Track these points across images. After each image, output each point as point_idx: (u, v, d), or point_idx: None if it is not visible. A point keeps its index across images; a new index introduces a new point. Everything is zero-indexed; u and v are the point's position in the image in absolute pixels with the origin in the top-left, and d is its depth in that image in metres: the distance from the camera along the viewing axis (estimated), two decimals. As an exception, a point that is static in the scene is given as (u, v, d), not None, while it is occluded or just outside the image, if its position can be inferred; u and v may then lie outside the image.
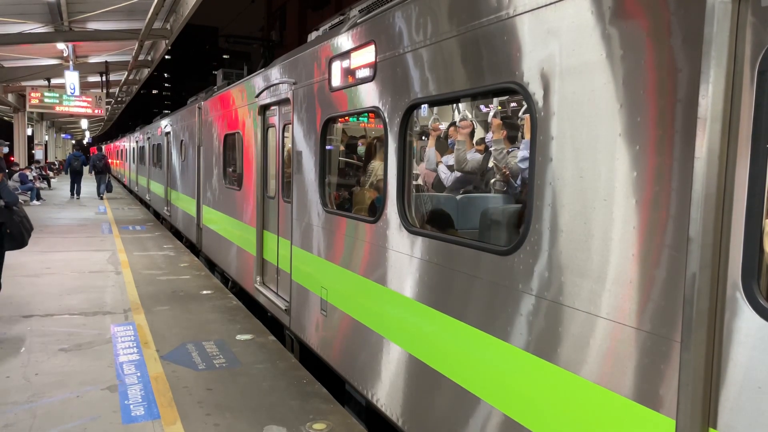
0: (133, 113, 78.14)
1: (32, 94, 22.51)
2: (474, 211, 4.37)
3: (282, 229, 6.68)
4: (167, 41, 17.09)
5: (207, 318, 7.37)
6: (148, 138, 20.72)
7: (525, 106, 4.37)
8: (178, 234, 14.56)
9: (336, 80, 4.96)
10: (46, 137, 38.83)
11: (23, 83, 24.04)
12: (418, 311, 3.79)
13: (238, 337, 6.62)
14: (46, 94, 22.64)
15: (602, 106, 2.44)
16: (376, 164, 5.28)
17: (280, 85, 6.52)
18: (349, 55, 4.70)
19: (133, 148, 26.72)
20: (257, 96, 7.41)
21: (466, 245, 3.36)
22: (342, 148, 6.20)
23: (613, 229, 2.40)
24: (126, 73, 23.03)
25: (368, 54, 4.40)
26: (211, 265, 10.69)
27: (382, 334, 4.25)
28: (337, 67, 4.95)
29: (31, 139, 33.60)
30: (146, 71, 24.55)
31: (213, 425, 4.50)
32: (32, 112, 26.92)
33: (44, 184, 28.04)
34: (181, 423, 4.50)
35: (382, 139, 4.30)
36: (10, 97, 26.05)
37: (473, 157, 4.94)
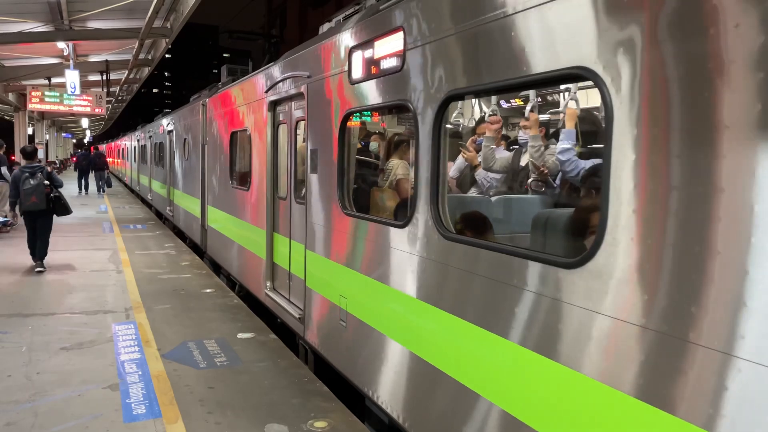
0: (133, 112, 78.16)
1: (33, 94, 22.49)
2: (514, 215, 4.00)
3: (294, 231, 6.29)
4: (167, 40, 17.06)
5: (208, 316, 7.38)
6: (150, 136, 20.52)
7: (565, 99, 4.08)
8: (180, 234, 14.40)
9: (357, 72, 4.60)
10: (47, 136, 38.81)
11: (24, 82, 24.03)
12: (462, 330, 3.35)
13: (239, 335, 6.62)
14: (46, 93, 22.62)
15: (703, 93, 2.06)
16: (395, 162, 4.99)
17: (293, 79, 6.16)
18: (373, 44, 4.33)
19: (135, 147, 26.66)
20: (267, 91, 7.05)
21: (519, 255, 2.94)
22: (363, 145, 5.75)
23: (723, 241, 2.00)
24: (126, 71, 23.01)
25: (395, 42, 4.03)
26: (216, 267, 10.41)
27: (417, 353, 3.82)
28: (358, 57, 4.57)
29: (32, 138, 33.58)
30: (147, 70, 24.51)
31: (214, 423, 4.51)
32: (33, 112, 26.91)
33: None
34: (182, 421, 4.51)
35: (411, 135, 4.01)
36: (11, 97, 26.04)
37: (502, 155, 4.58)
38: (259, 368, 5.66)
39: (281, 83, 6.56)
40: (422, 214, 3.74)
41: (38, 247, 9.76)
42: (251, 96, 7.92)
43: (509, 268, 2.98)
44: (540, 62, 2.80)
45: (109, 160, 46.87)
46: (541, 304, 2.78)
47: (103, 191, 26.91)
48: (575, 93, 3.86)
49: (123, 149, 34.72)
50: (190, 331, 6.76)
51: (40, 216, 9.58)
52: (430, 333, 3.67)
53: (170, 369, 5.56)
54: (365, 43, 4.47)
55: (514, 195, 4.48)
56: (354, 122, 5.19)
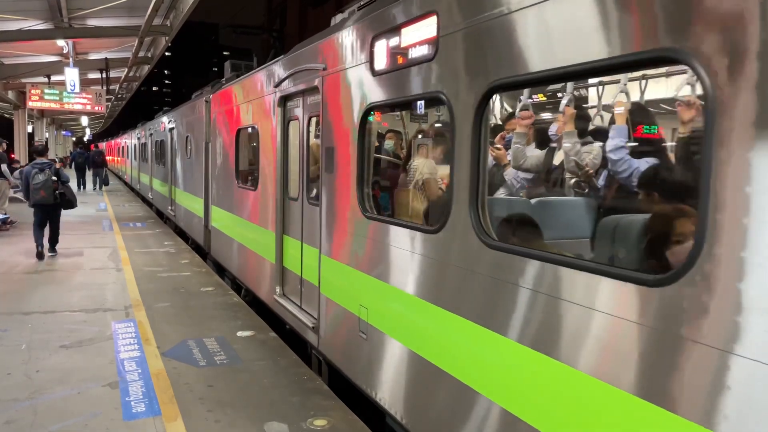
0: (133, 110, 78.16)
1: (32, 91, 22.47)
2: (562, 220, 3.59)
3: (307, 235, 5.92)
4: (167, 38, 17.05)
5: (208, 315, 7.37)
6: (151, 134, 20.30)
7: (598, 92, 3.64)
8: (182, 233, 14.18)
9: (380, 62, 4.23)
10: (47, 134, 38.78)
11: (23, 80, 24.01)
12: (516, 354, 2.92)
13: (239, 333, 6.62)
14: (46, 91, 22.60)
15: None
16: (419, 162, 4.54)
17: (306, 72, 5.73)
18: (399, 31, 3.96)
19: (135, 145, 26.56)
20: (277, 86, 6.62)
21: (588, 270, 2.52)
22: (386, 142, 5.23)
23: None
24: (126, 69, 23.00)
25: (427, 28, 3.66)
26: (220, 269, 10.06)
27: (456, 376, 3.41)
28: (382, 47, 4.20)
29: (31, 136, 33.58)
30: (146, 68, 24.51)
31: (214, 422, 4.50)
32: (32, 110, 26.91)
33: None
34: (182, 419, 4.51)
35: (442, 130, 3.71)
36: (11, 95, 26.02)
37: (533, 152, 4.21)
38: (259, 367, 5.65)
39: (292, 77, 6.16)
40: (459, 218, 3.35)
41: (50, 236, 10.81)
42: (259, 91, 7.54)
43: (573, 284, 2.58)
44: (619, 44, 2.39)
45: (108, 158, 47.03)
46: (618, 328, 2.35)
47: (101, 188, 27.62)
48: (626, 84, 3.44)
49: (123, 147, 34.56)
50: (189, 329, 6.75)
51: (49, 209, 10.49)
52: (474, 354, 3.24)
53: (170, 367, 5.55)
54: (391, 31, 4.09)
55: (558, 197, 3.98)
56: (376, 117, 4.79)
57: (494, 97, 3.25)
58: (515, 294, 2.93)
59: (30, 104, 23.14)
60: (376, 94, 4.37)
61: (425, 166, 4.50)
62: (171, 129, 15.42)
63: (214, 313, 7.47)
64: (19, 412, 4.54)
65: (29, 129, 32.35)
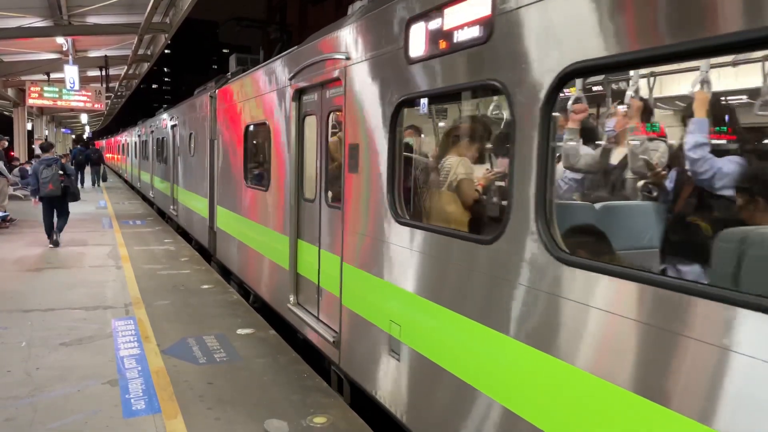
0: (133, 108, 78.12)
1: (32, 89, 22.45)
2: (642, 229, 3.03)
3: (326, 240, 5.47)
4: (167, 35, 17.03)
5: (208, 312, 7.37)
6: (152, 131, 19.97)
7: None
8: (185, 234, 13.80)
9: (418, 48, 3.76)
10: (47, 132, 38.75)
11: (23, 78, 23.99)
12: (624, 402, 2.34)
13: (239, 331, 6.62)
14: (45, 88, 22.58)
15: None
16: (453, 160, 4.05)
17: (326, 62, 5.27)
18: (442, 12, 3.50)
19: (135, 143, 26.43)
20: (291, 78, 6.15)
21: (722, 299, 1.99)
22: (424, 139, 4.66)
23: None
24: (126, 67, 22.97)
25: (479, 6, 3.19)
26: (225, 272, 9.66)
27: (533, 422, 2.83)
28: (419, 30, 3.74)
29: (31, 133, 33.57)
30: (146, 65, 24.48)
31: (214, 419, 4.51)
32: (32, 107, 26.90)
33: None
34: (181, 417, 4.51)
35: (493, 124, 3.34)
36: (10, 92, 26.00)
37: (587, 151, 3.66)
38: (258, 364, 5.65)
39: (310, 68, 5.69)
40: (520, 227, 2.88)
41: (58, 224, 11.67)
42: (271, 85, 7.03)
43: (691, 315, 2.08)
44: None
45: (108, 155, 47.06)
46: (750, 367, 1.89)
47: (99, 185, 28.68)
48: (707, 73, 2.87)
49: (123, 145, 34.43)
50: (189, 327, 6.76)
51: (57, 201, 11.40)
52: (553, 396, 2.69)
53: (170, 365, 5.56)
54: (431, 12, 3.62)
55: (628, 202, 3.46)
56: (412, 111, 4.25)
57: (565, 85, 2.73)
58: (602, 323, 2.42)
59: (29, 102, 23.11)
60: (411, 84, 3.89)
61: (459, 164, 4.02)
62: (173, 126, 15.05)
63: (213, 310, 7.47)
64: (19, 410, 4.54)
65: (29, 126, 32.33)
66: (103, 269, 9.65)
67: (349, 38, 4.86)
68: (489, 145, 3.98)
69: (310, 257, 5.87)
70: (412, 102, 4.01)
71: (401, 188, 4.14)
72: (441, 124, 4.57)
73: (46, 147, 11.88)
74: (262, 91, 7.40)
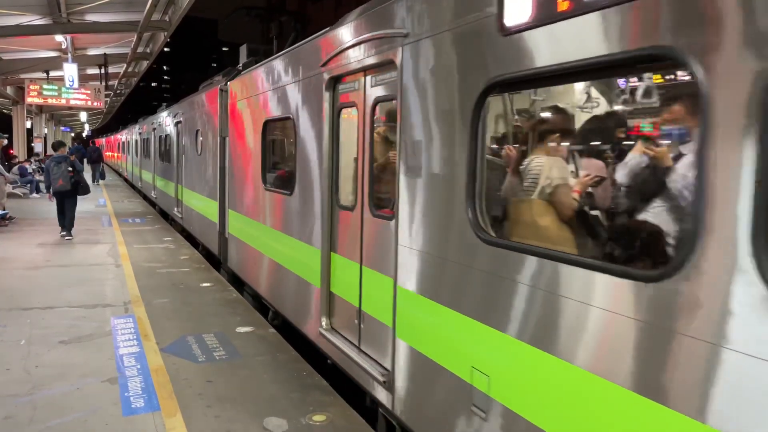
0: (132, 106, 78.08)
1: (31, 87, 22.45)
2: None
3: (370, 255, 4.60)
4: (166, 33, 17.03)
5: (207, 310, 7.37)
6: (154, 129, 19.30)
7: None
8: (189, 237, 13.04)
9: (520, 14, 2.87)
10: (46, 130, 38.73)
11: (22, 76, 23.98)
12: None
13: (239, 329, 6.62)
14: (44, 86, 22.57)
15: None
16: (543, 161, 3.13)
17: (373, 42, 4.44)
18: None
19: (136, 141, 26.07)
20: (324, 65, 5.29)
21: None
22: (523, 135, 3.52)
23: None
24: (125, 65, 22.96)
25: None
26: (236, 280, 8.79)
27: None
28: None
29: (30, 131, 33.57)
30: (145, 63, 24.47)
31: (213, 417, 4.51)
32: (31, 105, 26.90)
33: (43, 177, 28.13)
34: (181, 415, 4.51)
35: (660, 110, 2.51)
36: (9, 90, 25.99)
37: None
38: (258, 362, 5.66)
39: (350, 50, 4.85)
40: (713, 257, 2.03)
41: (67, 220, 12.35)
42: (297, 74, 6.11)
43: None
44: None
45: (109, 154, 47.04)
46: None
47: (97, 183, 28.95)
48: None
49: (124, 143, 34.05)
50: (189, 325, 6.76)
51: (67, 196, 12.20)
52: None
53: (169, 363, 5.56)
54: None
55: None
56: (509, 98, 3.36)
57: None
58: None
59: (29, 100, 23.11)
60: (506, 61, 3.02)
61: (553, 167, 3.11)
62: (177, 123, 14.22)
63: (213, 309, 7.47)
64: (19, 408, 4.54)
65: (28, 125, 32.33)
66: (102, 267, 9.65)
67: (405, 10, 4.01)
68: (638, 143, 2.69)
69: (347, 276, 5.01)
70: (506, 84, 3.10)
71: (491, 197, 3.31)
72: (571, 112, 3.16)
73: (57, 146, 12.91)
74: (285, 81, 6.45)
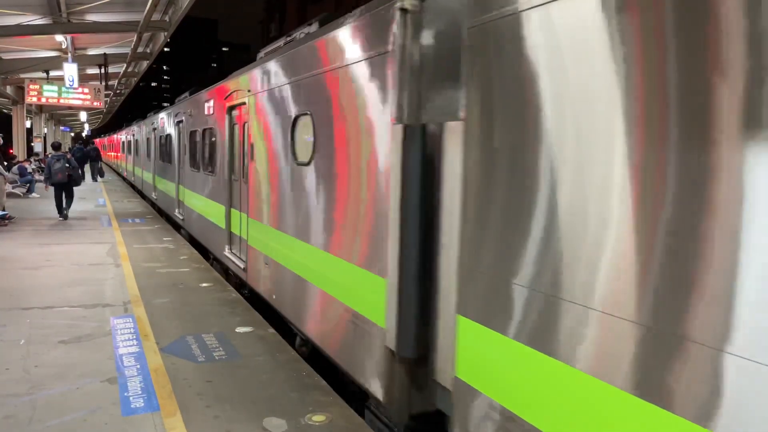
0: (132, 106, 78.03)
1: (31, 87, 22.44)
2: None
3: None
4: (166, 33, 17.03)
5: (207, 310, 7.37)
6: (154, 129, 18.73)
7: None
8: (192, 240, 12.53)
9: None
10: (45, 130, 38.72)
11: (22, 75, 23.97)
12: None
13: (238, 329, 6.62)
14: (44, 86, 22.56)
15: None
16: None
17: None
18: None
19: (137, 141, 25.84)
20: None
21: None
22: None
23: None
24: (125, 65, 22.96)
25: None
26: (255, 296, 7.83)
27: None
28: None
29: (30, 131, 33.59)
30: (145, 63, 24.48)
31: (213, 417, 4.51)
32: (31, 105, 26.90)
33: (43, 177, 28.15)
34: (180, 415, 4.51)
35: None
36: (9, 90, 25.98)
37: None
38: (257, 362, 5.66)
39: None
40: None
41: (66, 205, 15.14)
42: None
43: None
44: None
45: (111, 154, 47.09)
46: None
47: (97, 180, 30.80)
48: None
49: (125, 143, 33.62)
50: (188, 325, 6.76)
51: (66, 186, 14.99)
52: None
53: (168, 363, 5.56)
54: None
55: None
56: None
57: None
58: None
59: (28, 99, 23.10)
60: None
61: None
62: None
63: (212, 309, 7.47)
64: (18, 408, 4.54)
65: (28, 124, 32.37)
66: (102, 267, 9.64)
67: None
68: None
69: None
70: None
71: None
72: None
73: (57, 146, 16.11)
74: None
